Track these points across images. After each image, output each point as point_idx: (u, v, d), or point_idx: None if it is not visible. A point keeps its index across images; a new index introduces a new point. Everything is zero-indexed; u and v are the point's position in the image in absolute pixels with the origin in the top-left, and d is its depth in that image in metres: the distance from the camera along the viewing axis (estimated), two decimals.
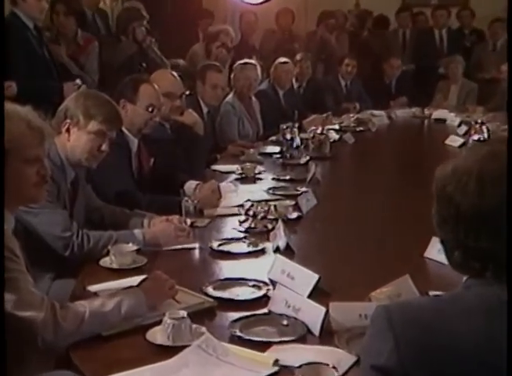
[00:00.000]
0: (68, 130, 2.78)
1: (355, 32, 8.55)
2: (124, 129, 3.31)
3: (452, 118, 6.41)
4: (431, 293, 2.11)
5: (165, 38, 6.33)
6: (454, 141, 5.20)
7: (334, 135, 5.37)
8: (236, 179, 4.00)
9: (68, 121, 2.78)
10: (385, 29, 8.70)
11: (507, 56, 6.35)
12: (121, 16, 5.99)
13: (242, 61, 5.64)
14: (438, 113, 6.76)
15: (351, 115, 6.52)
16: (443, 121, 6.52)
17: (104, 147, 2.80)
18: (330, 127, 5.72)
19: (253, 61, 5.77)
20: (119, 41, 5.64)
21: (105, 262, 2.56)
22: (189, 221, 2.95)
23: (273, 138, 5.31)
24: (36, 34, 4.38)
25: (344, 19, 8.56)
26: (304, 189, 3.61)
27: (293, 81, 6.65)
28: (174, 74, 4.22)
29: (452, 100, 7.67)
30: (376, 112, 6.79)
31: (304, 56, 6.89)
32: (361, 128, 6.03)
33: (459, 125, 6.01)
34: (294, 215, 3.17)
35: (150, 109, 3.44)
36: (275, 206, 3.15)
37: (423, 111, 6.96)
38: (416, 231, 2.78)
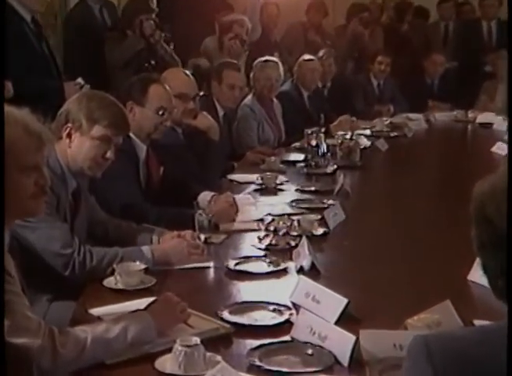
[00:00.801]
0: (69, 135, 2.80)
1: (392, 26, 8.53)
2: (131, 134, 3.33)
3: (500, 122, 6.38)
4: (476, 322, 2.10)
5: (177, 33, 6.35)
6: (502, 149, 5.12)
7: (365, 142, 5.37)
8: (256, 190, 4.01)
9: (69, 124, 2.80)
10: (425, 21, 8.68)
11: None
12: (127, 7, 6.02)
13: (262, 58, 5.66)
14: (483, 117, 6.74)
15: (385, 119, 6.52)
16: (489, 125, 6.50)
17: (109, 154, 2.82)
18: (361, 132, 5.73)
19: (274, 58, 5.79)
20: (125, 35, 5.68)
21: (109, 282, 2.58)
22: (202, 237, 2.97)
23: (297, 144, 5.32)
24: (34, 27, 4.41)
25: (379, 11, 8.55)
26: (331, 201, 3.61)
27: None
28: (188, 73, 4.25)
29: (499, 102, 7.61)
30: (412, 115, 6.79)
31: (327, 52, 6.89)
32: (395, 134, 6.03)
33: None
34: (320, 230, 3.17)
35: (160, 112, 3.46)
36: (298, 221, 3.16)
37: (466, 114, 6.92)
38: (458, 251, 2.75)
